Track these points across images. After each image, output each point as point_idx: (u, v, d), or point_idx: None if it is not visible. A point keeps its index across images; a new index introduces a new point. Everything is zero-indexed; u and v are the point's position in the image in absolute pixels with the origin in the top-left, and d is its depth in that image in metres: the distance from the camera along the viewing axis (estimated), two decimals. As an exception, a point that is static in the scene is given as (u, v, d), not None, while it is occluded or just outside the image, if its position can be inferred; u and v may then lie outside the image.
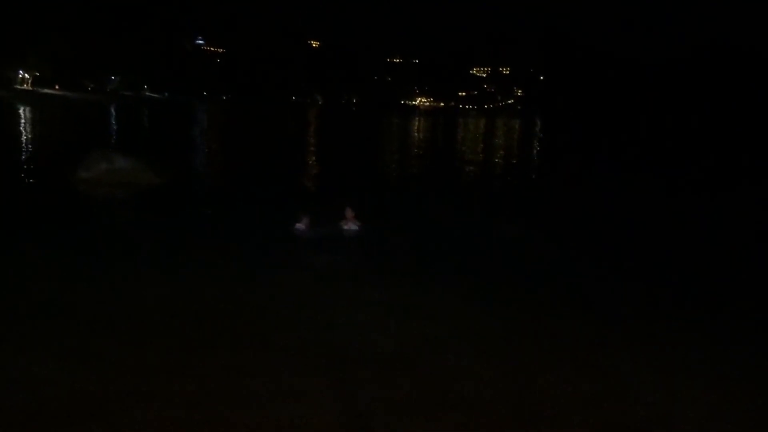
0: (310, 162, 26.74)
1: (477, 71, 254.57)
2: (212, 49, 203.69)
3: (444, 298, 8.21)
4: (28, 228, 11.34)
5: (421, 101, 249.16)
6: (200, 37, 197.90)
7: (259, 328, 6.95)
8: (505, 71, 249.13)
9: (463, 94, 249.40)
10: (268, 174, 21.34)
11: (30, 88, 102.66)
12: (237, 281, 8.59)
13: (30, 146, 26.58)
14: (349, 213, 12.11)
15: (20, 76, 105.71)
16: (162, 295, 7.88)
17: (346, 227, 11.97)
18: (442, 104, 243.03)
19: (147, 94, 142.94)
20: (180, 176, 18.20)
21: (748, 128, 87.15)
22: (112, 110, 68.76)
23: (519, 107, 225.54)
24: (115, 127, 43.33)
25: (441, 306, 7.93)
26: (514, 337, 7.00)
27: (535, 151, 38.95)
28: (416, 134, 54.39)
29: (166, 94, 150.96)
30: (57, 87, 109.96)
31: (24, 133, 33.54)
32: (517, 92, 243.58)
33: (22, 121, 43.71)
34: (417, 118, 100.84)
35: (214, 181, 19.16)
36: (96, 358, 6.02)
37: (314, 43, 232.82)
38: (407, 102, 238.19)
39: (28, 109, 58.73)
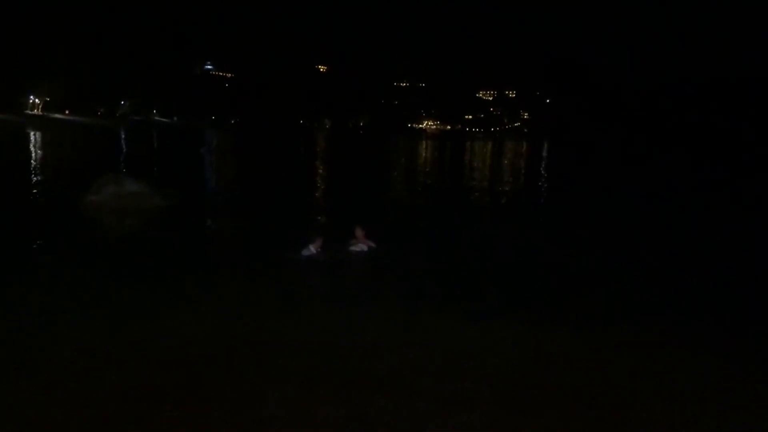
0: (319, 184, 26.73)
1: (483, 94, 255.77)
2: (221, 73, 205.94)
3: (457, 321, 8.07)
4: (31, 248, 11.36)
5: (428, 124, 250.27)
6: (209, 62, 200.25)
7: (266, 353, 6.84)
8: (512, 94, 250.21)
9: (470, 117, 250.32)
10: (278, 197, 21.31)
11: (40, 113, 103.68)
12: (243, 306, 8.48)
13: (39, 170, 26.69)
14: (359, 232, 12.02)
15: (31, 101, 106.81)
16: (166, 321, 7.75)
17: (356, 248, 11.89)
18: (449, 127, 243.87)
19: (156, 118, 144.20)
20: (189, 200, 18.17)
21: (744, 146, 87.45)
22: (122, 134, 69.29)
23: (525, 130, 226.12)
24: (124, 151, 43.55)
25: (452, 329, 7.80)
26: (529, 363, 6.86)
27: (543, 172, 38.87)
28: (424, 156, 54.44)
29: (175, 118, 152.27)
30: (67, 112, 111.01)
31: (34, 156, 33.76)
32: (524, 115, 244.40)
33: (32, 145, 44.04)
34: (424, 141, 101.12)
35: (223, 204, 19.13)
36: (97, 385, 5.91)
37: (322, 68, 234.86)
38: (414, 125, 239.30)
39: (38, 133, 59.26)
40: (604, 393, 6.09)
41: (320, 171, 34.64)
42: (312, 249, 11.60)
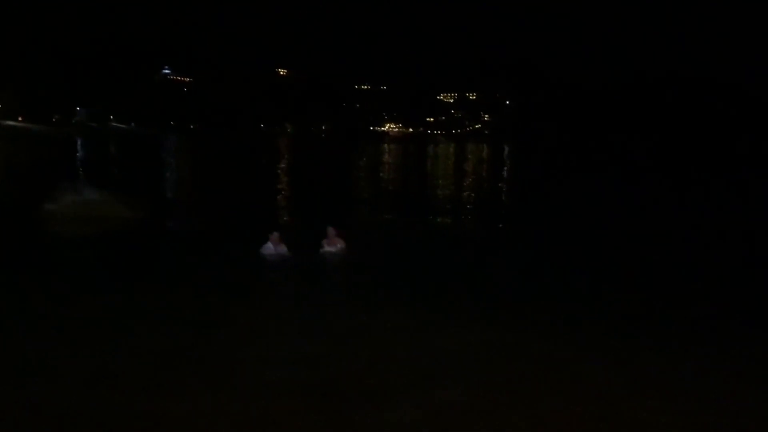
0: (281, 189, 26.50)
1: (444, 97, 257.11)
2: (179, 78, 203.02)
3: (431, 324, 8.04)
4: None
5: (390, 127, 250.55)
6: (167, 67, 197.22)
7: (238, 364, 6.66)
8: (472, 97, 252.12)
9: (432, 119, 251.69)
10: (239, 202, 21.07)
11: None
12: (211, 317, 8.26)
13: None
14: (331, 232, 11.93)
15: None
16: (128, 335, 7.47)
17: (328, 248, 11.79)
18: (410, 130, 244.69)
19: (113, 124, 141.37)
20: (151, 208, 17.79)
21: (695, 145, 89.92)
22: (78, 142, 67.76)
23: (486, 132, 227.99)
24: (81, 159, 42.57)
25: (428, 333, 7.75)
26: (505, 361, 6.85)
27: (505, 175, 39.26)
28: (387, 160, 54.48)
29: (133, 124, 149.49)
30: (20, 119, 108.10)
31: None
32: (485, 117, 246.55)
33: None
34: (386, 145, 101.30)
35: (186, 212, 18.81)
36: (65, 407, 5.71)
37: (282, 71, 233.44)
38: (377, 128, 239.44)
39: (-10, 141, 57.58)
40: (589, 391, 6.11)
41: (282, 176, 34.37)
42: (271, 246, 11.50)
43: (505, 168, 47.33)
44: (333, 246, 11.81)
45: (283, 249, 11.45)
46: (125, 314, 8.24)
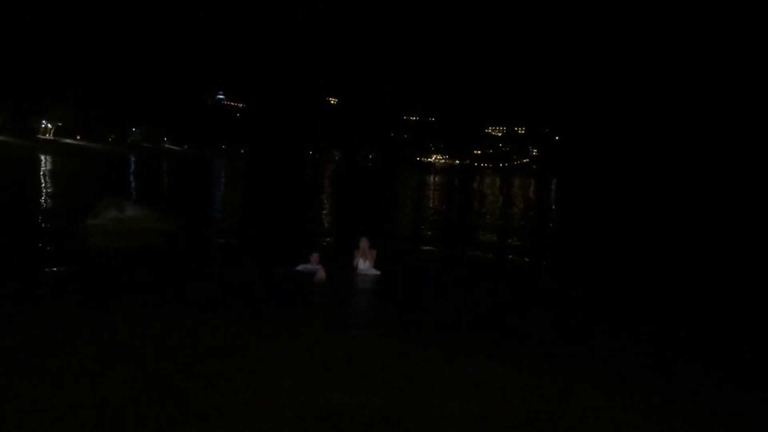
0: (325, 213, 26.43)
1: (492, 130, 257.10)
2: (232, 104, 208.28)
3: (460, 358, 7.60)
4: (15, 271, 10.99)
5: (437, 158, 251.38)
6: (221, 92, 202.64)
7: (257, 387, 6.38)
8: (521, 131, 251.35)
9: (479, 152, 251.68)
10: (282, 223, 21.04)
11: (52, 138, 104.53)
12: (237, 335, 8.02)
13: (47, 193, 26.57)
14: (364, 243, 11.69)
15: (43, 125, 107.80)
16: (147, 350, 7.30)
17: (362, 267, 11.59)
18: (457, 162, 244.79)
19: (166, 146, 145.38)
20: (192, 225, 17.90)
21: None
22: (132, 161, 69.59)
23: (534, 166, 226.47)
24: (132, 178, 43.57)
25: (453, 368, 7.32)
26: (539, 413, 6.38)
27: (552, 210, 38.50)
28: (432, 190, 54.23)
29: (186, 146, 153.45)
30: (78, 137, 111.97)
31: (42, 180, 33.72)
32: (532, 151, 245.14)
33: (42, 169, 44.14)
34: (432, 176, 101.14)
35: (227, 230, 18.80)
36: (80, 420, 5.50)
37: (332, 100, 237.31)
38: (423, 159, 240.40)
39: (49, 158, 59.55)
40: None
41: (324, 200, 34.40)
42: (309, 266, 11.55)
43: (552, 204, 46.49)
44: (366, 261, 11.48)
45: (319, 270, 11.31)
46: (132, 333, 7.96)
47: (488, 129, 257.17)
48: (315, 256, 11.78)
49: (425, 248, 17.00)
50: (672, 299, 11.99)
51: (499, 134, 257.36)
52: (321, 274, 11.12)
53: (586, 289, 12.39)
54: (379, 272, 11.70)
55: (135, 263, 12.33)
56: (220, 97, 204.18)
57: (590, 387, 6.90)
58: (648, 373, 7.52)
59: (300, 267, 11.72)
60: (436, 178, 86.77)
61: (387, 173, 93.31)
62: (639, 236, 24.83)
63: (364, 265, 11.72)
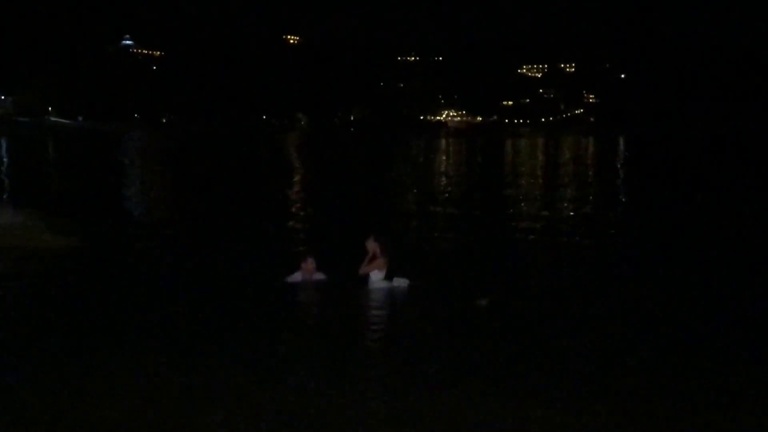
0: (293, 209, 26.31)
1: (529, 70, 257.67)
2: (145, 52, 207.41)
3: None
4: None
5: (449, 116, 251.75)
6: (128, 36, 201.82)
7: None
8: (569, 69, 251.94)
9: (509, 103, 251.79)
10: (230, 225, 20.93)
11: None
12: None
13: None
14: (371, 245, 11.91)
15: None
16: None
17: (375, 277, 11.90)
18: (479, 119, 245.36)
19: (52, 119, 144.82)
20: (98, 234, 17.72)
21: None
22: (2, 144, 69.34)
23: (591, 119, 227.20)
24: (2, 169, 43.36)
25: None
26: None
27: (620, 186, 38.39)
28: (444, 164, 54.03)
29: (80, 118, 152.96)
30: None
31: None
32: (588, 98, 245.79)
33: None
34: (443, 140, 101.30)
35: (150, 239, 18.64)
36: None
37: (292, 39, 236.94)
38: (429, 118, 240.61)
39: None
40: None
41: (293, 190, 34.29)
42: (300, 276, 12.01)
43: (619, 175, 46.40)
44: (376, 268, 11.85)
45: (319, 276, 11.99)
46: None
47: (522, 69, 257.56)
48: (310, 262, 12.04)
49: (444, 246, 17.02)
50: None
51: (539, 75, 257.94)
52: (317, 276, 11.89)
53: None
54: (395, 283, 12.01)
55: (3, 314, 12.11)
56: (127, 43, 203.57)
57: None
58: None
59: (290, 278, 12.07)
60: (449, 145, 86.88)
61: (374, 142, 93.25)
62: None
63: (376, 276, 11.93)
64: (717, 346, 10.01)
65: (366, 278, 12.01)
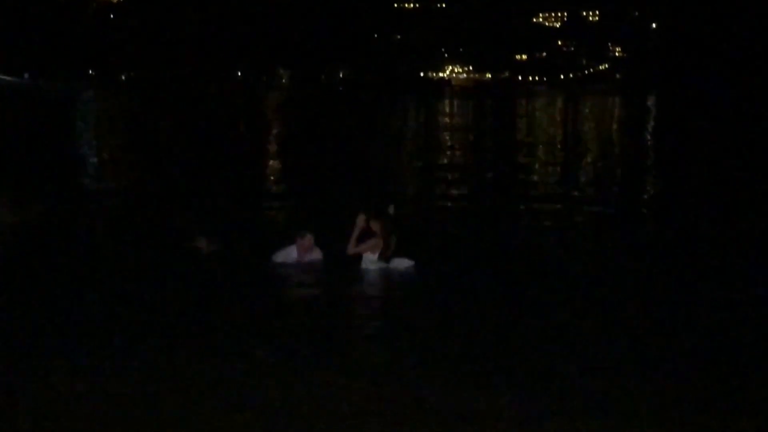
0: (276, 181, 26.65)
1: (546, 19, 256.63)
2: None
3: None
4: None
5: (453, 72, 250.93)
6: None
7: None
8: (593, 18, 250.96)
9: (524, 57, 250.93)
10: (202, 194, 21.22)
11: None
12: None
13: None
14: (361, 221, 12.05)
15: None
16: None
17: (368, 257, 12.10)
18: (488, 76, 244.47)
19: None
20: (53, 208, 17.97)
21: None
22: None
23: (618, 76, 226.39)
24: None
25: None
26: None
27: (650, 155, 38.57)
28: (449, 129, 53.97)
29: (27, 75, 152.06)
30: None
31: None
32: (614, 52, 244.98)
33: None
34: (447, 102, 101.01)
35: (112, 213, 18.94)
36: None
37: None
38: (431, 75, 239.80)
39: None
40: None
41: (275, 161, 34.54)
42: (294, 253, 12.17)
43: (649, 141, 46.59)
44: (368, 249, 12.05)
45: (315, 255, 12.20)
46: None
47: (538, 17, 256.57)
48: (308, 239, 12.21)
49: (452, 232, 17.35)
50: None
51: (557, 24, 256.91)
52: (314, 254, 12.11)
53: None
54: (392, 265, 12.24)
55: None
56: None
57: None
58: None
59: (280, 257, 12.22)
60: (453, 107, 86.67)
61: (367, 102, 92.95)
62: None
63: (369, 257, 12.18)
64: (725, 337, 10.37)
65: (359, 258, 12.23)
